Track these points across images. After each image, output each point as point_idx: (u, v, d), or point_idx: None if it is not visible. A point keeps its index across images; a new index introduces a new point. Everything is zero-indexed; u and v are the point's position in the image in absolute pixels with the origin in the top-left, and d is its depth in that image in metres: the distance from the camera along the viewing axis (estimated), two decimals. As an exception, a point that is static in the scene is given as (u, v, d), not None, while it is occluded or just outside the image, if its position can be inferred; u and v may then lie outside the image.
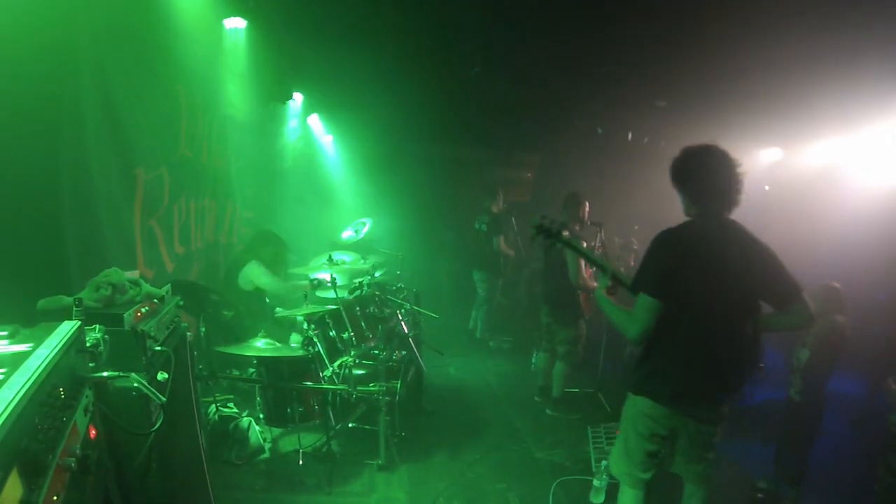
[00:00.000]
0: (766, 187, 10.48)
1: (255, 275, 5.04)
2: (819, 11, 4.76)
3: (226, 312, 4.47)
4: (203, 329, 4.37)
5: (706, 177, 2.86)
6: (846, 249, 7.23)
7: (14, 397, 1.07)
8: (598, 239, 5.37)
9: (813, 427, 4.28)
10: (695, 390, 2.88)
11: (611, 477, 4.18)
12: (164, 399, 1.88)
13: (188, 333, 2.91)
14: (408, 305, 5.42)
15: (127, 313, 2.21)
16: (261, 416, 4.42)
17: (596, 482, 4.13)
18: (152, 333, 2.32)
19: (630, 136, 9.99)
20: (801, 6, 4.71)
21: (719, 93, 7.01)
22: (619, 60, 6.53)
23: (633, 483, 3.13)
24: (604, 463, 4.25)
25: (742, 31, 5.31)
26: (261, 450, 4.44)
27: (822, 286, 4.48)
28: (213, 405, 4.47)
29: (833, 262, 7.11)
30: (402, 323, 5.02)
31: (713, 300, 2.74)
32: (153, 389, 1.85)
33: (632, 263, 7.10)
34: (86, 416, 1.52)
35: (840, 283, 4.45)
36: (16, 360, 1.30)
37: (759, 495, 4.29)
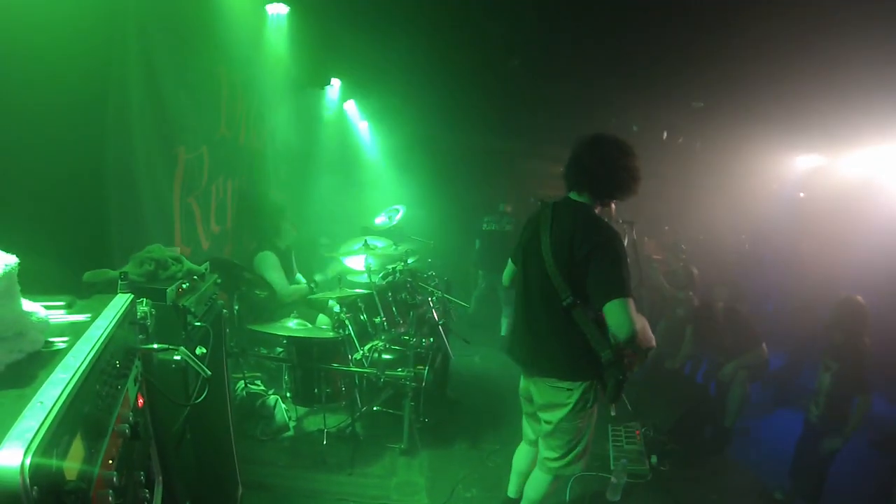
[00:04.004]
0: (801, 194, 10.30)
1: (265, 265, 4.85)
2: (864, 15, 4.66)
3: (258, 292, 4.56)
4: (237, 307, 4.47)
5: (568, 161, 3.03)
6: (880, 263, 7.07)
7: (80, 365, 1.14)
8: (628, 237, 5.36)
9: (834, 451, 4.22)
10: (516, 350, 3.21)
11: (628, 476, 4.21)
12: (209, 373, 1.95)
13: (224, 311, 2.98)
14: (438, 293, 5.47)
15: (169, 289, 2.28)
16: (288, 394, 4.50)
17: (613, 480, 4.15)
18: (192, 309, 2.38)
19: (665, 135, 9.89)
20: (846, 10, 4.62)
21: (758, 96, 6.89)
22: (658, 59, 6.46)
23: (524, 438, 3.52)
24: (623, 461, 4.28)
25: (784, 35, 5.22)
26: (286, 427, 4.53)
27: (843, 298, 4.36)
28: (242, 381, 4.57)
29: (865, 275, 6.97)
30: (433, 310, 5.06)
31: (525, 275, 3.10)
32: (200, 363, 1.92)
33: (682, 264, 7.03)
34: (135, 385, 1.60)
35: (869, 298, 4.34)
36: (76, 330, 1.37)
37: None
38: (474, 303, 8.04)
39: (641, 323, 2.68)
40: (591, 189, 2.95)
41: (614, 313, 2.62)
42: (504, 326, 8.03)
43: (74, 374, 1.09)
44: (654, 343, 2.82)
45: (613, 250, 2.72)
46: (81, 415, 1.11)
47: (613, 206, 3.18)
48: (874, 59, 5.29)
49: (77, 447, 1.05)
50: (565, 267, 2.80)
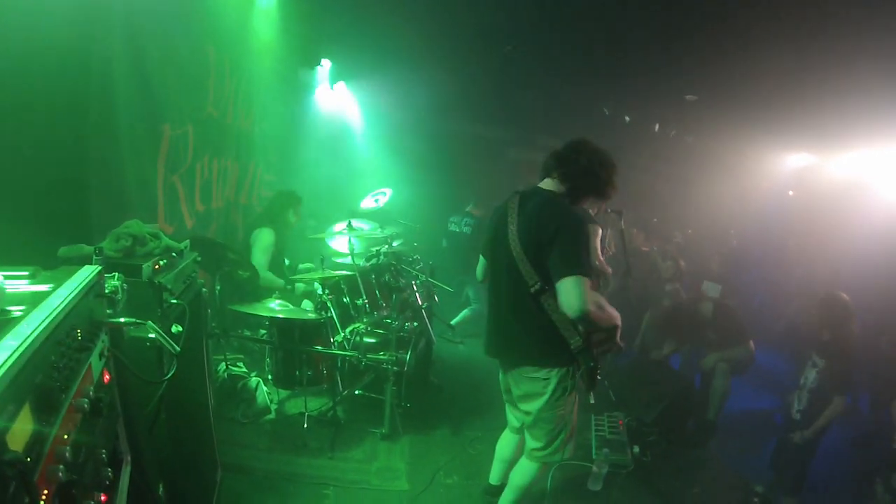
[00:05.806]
0: (791, 192, 10.33)
1: (258, 242, 4.91)
2: (859, 16, 4.63)
3: (241, 272, 4.51)
4: (218, 287, 4.42)
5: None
6: (865, 262, 7.09)
7: (32, 333, 1.09)
8: (616, 226, 5.33)
9: (815, 445, 4.24)
10: (489, 343, 3.20)
11: (610, 466, 4.21)
12: (178, 349, 1.90)
13: (204, 290, 2.93)
14: (423, 277, 5.42)
15: (146, 265, 2.23)
16: (269, 377, 4.47)
17: (595, 469, 4.15)
18: (169, 286, 2.32)
19: (657, 127, 9.88)
20: (841, 11, 4.59)
21: (752, 92, 6.88)
22: (653, 51, 6.42)
23: (508, 426, 3.55)
24: (605, 451, 4.27)
25: (781, 32, 5.19)
26: (267, 410, 4.50)
27: (826, 296, 4.36)
28: (224, 363, 4.53)
29: (851, 273, 6.99)
30: (417, 294, 5.03)
31: (493, 265, 3.11)
32: (168, 338, 1.87)
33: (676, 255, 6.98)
34: (101, 360, 1.54)
35: (854, 296, 4.32)
36: (35, 299, 1.32)
37: (756, 500, 4.27)
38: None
39: (597, 301, 2.67)
40: (560, 171, 2.95)
41: (565, 289, 2.60)
42: (461, 314, 7.55)
43: (24, 342, 1.04)
44: (617, 321, 2.81)
45: (578, 232, 2.71)
46: (32, 384, 1.06)
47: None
48: (869, 61, 5.29)
49: (24, 418, 1.00)
50: (532, 251, 2.77)
